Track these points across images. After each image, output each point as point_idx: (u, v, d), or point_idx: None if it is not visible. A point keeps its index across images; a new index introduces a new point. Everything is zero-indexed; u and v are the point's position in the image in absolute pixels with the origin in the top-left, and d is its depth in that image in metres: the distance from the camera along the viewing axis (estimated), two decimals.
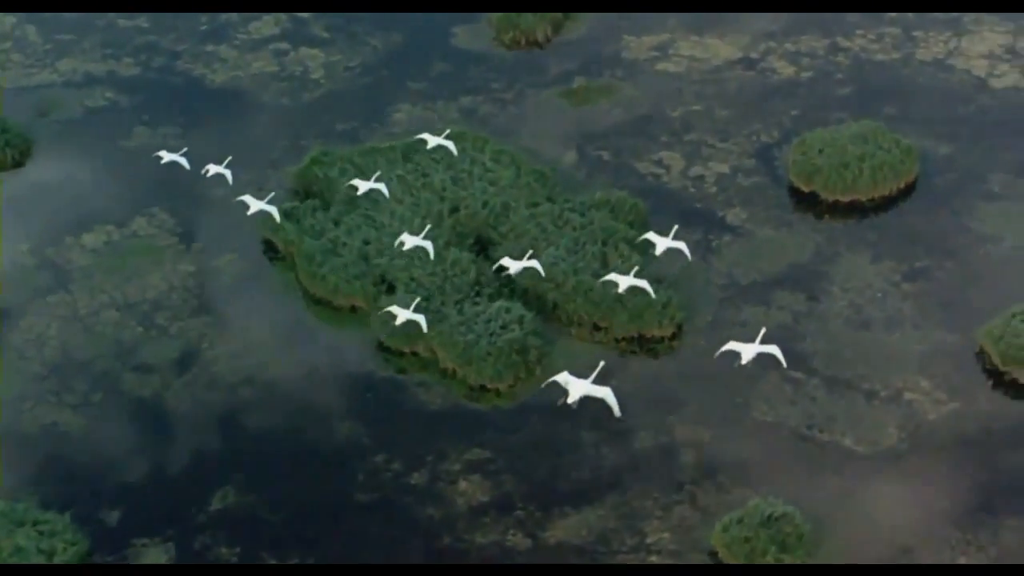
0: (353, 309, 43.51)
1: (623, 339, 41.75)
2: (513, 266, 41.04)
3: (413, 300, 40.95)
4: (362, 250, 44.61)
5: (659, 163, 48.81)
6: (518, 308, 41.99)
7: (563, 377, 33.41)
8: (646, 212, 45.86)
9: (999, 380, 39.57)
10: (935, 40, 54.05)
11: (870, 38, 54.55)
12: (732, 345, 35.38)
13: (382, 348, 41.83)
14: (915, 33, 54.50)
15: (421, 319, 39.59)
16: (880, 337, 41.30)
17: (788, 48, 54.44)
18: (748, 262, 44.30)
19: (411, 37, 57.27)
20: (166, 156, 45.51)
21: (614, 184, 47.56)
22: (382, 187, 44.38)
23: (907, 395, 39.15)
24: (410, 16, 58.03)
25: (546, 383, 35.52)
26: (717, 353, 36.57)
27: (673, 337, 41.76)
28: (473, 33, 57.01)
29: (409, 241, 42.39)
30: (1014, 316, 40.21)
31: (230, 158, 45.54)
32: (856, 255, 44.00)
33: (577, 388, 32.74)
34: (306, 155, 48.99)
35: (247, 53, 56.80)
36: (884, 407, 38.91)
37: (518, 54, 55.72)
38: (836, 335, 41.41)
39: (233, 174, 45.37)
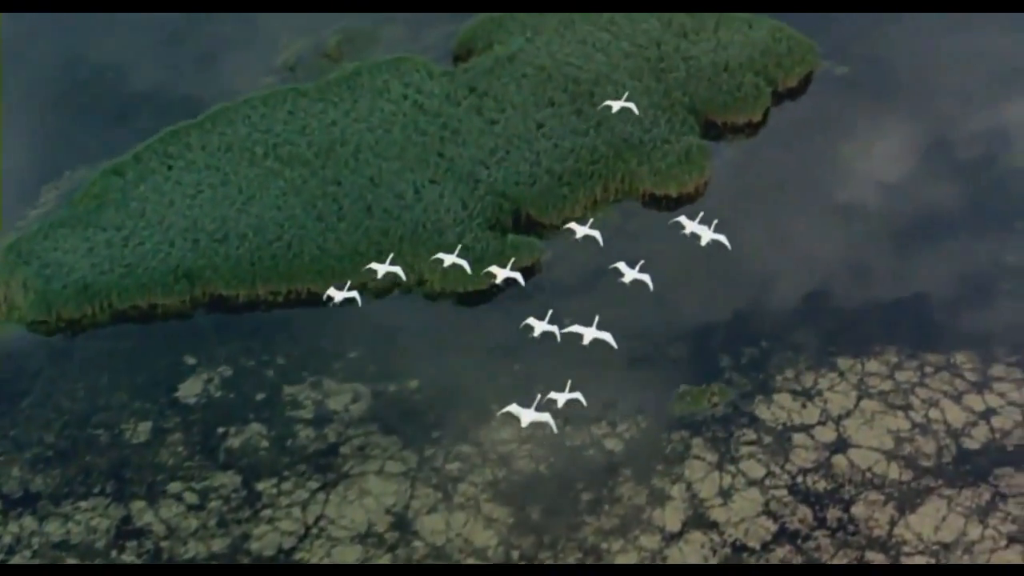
0: None
1: None
2: (628, 274, 40.85)
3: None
4: None
5: None
6: None
7: (514, 408, 37.87)
8: None
9: None
10: None
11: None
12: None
13: None
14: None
15: (464, 263, 41.96)
16: None
17: None
18: None
19: None
20: (337, 295, 42.59)
21: None
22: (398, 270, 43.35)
23: None
24: None
25: (500, 412, 38.20)
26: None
27: None
28: None
29: (580, 231, 41.90)
30: None
31: None
32: None
33: (527, 416, 37.60)
34: None
35: None
36: None
37: None
38: None
39: None
